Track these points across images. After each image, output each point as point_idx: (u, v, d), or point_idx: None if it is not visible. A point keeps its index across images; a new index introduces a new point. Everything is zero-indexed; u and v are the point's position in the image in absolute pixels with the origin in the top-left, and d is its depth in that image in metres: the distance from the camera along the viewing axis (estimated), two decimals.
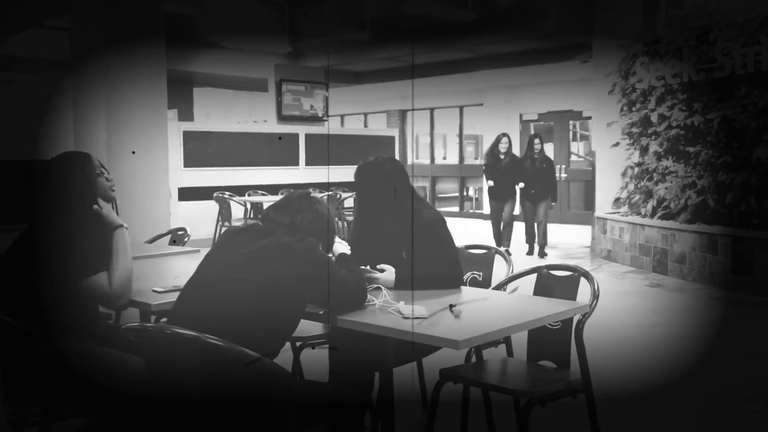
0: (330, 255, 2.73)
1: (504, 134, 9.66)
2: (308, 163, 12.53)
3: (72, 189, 2.77)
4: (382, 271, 2.98)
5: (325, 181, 12.07)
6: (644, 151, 8.88)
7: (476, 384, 2.91)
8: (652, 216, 8.51)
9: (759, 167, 7.14)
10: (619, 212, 9.49)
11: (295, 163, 12.37)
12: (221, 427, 2.16)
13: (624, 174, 9.44)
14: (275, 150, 12.10)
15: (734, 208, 7.40)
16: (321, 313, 2.58)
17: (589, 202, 12.85)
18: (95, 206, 2.76)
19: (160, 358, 2.17)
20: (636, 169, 9.07)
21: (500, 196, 9.65)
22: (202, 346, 2.07)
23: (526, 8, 10.63)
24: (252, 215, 10.08)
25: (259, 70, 13.34)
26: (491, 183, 9.60)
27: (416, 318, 2.43)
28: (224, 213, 10.09)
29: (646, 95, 8.83)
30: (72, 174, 2.80)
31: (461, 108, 16.74)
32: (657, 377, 4.52)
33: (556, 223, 14.26)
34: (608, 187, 10.13)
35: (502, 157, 9.43)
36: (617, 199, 9.74)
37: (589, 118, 13.09)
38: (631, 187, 9.22)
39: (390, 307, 2.56)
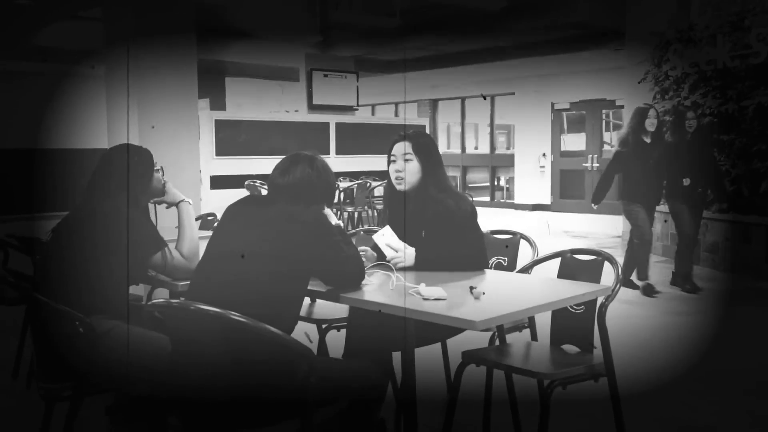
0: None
1: (650, 106, 6.87)
2: (339, 152, 12.58)
3: (130, 179, 2.90)
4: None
5: (356, 169, 12.09)
6: None
7: (498, 366, 2.92)
8: None
9: None
10: None
11: (326, 151, 12.42)
12: (244, 403, 2.21)
13: None
14: (306, 139, 12.16)
15: None
16: (325, 291, 2.60)
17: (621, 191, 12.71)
18: (164, 180, 3.04)
19: (185, 334, 2.22)
20: None
21: (647, 198, 6.63)
22: (226, 323, 2.11)
23: None
24: None
25: (290, 60, 13.41)
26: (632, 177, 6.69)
27: (436, 299, 2.46)
28: None
29: (679, 83, 8.70)
30: (135, 165, 2.94)
31: (492, 97, 16.65)
32: (682, 365, 4.49)
33: (588, 213, 14.17)
34: None
35: (648, 140, 6.53)
36: None
37: (622, 107, 12.93)
38: None
39: (411, 289, 2.58)
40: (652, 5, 9.75)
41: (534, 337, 3.32)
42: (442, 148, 17.60)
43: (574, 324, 3.00)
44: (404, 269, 2.93)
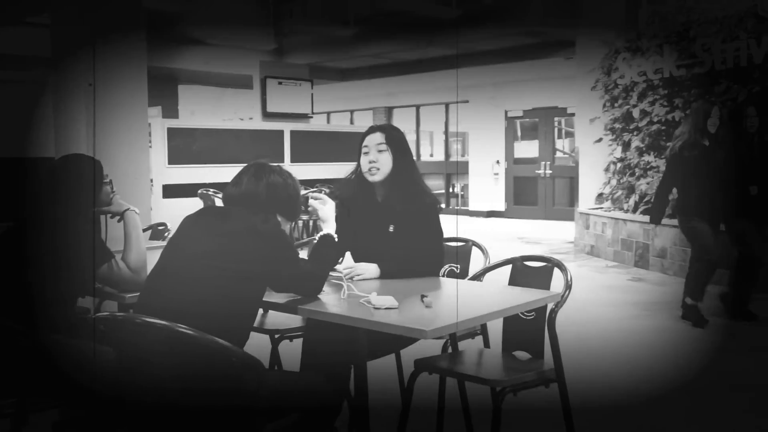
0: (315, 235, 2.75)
1: (713, 102, 6.04)
2: (293, 160, 12.53)
3: (79, 190, 2.84)
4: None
5: (311, 178, 12.06)
6: (626, 146, 8.94)
7: (451, 374, 2.94)
8: (634, 211, 8.57)
9: None
10: (601, 208, 9.55)
11: (281, 159, 12.36)
12: (192, 416, 2.17)
13: (606, 169, 9.49)
14: (261, 147, 12.08)
15: None
16: (283, 302, 2.59)
17: (573, 198, 12.93)
18: (112, 193, 2.98)
19: (131, 347, 2.18)
20: (618, 165, 9.13)
21: (711, 212, 5.56)
22: (173, 335, 2.08)
23: (510, 5, 10.69)
24: None
25: (243, 67, 13.33)
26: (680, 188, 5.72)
27: (387, 308, 2.46)
28: None
29: (628, 91, 8.89)
30: (81, 176, 2.87)
31: (447, 105, 16.78)
32: (635, 370, 4.57)
33: (541, 219, 14.37)
34: (591, 182, 10.19)
35: (707, 143, 5.47)
36: (600, 195, 9.81)
37: (573, 114, 13.15)
38: (614, 182, 9.28)
39: (362, 298, 2.57)
40: (601, 15, 9.96)
41: (486, 344, 3.34)
42: None
43: (525, 330, 3.03)
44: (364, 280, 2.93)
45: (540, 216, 14.60)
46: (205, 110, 17.00)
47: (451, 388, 3.21)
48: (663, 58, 8.21)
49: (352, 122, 18.92)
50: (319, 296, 2.64)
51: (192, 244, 2.43)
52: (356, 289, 2.66)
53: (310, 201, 2.87)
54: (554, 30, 10.99)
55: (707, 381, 4.33)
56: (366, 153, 3.23)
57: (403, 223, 3.15)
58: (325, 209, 2.84)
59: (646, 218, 8.19)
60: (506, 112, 15.41)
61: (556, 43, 11.62)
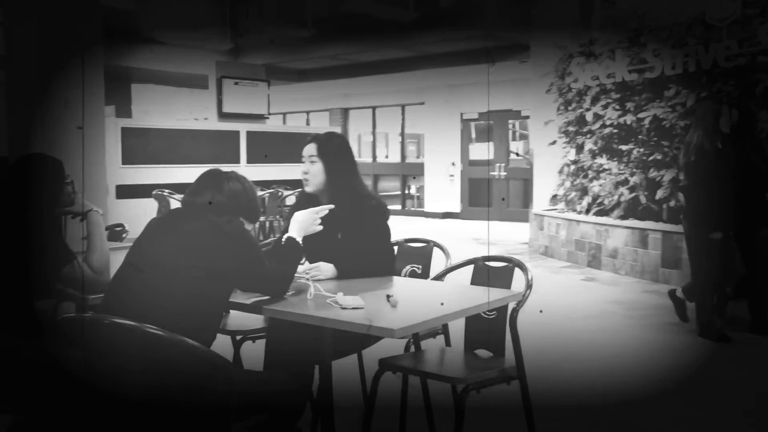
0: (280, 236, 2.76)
1: (721, 100, 5.59)
2: (250, 160, 12.46)
3: (41, 190, 2.82)
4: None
5: (267, 178, 12.01)
6: (580, 149, 9.12)
7: (414, 372, 2.98)
8: (587, 212, 8.75)
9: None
10: (555, 209, 9.73)
11: (237, 160, 12.28)
12: (162, 417, 2.17)
13: (560, 172, 9.68)
14: (216, 147, 11.99)
15: (664, 204, 7.67)
16: (249, 303, 2.60)
17: (527, 199, 13.13)
18: (74, 194, 2.94)
19: (98, 348, 2.16)
20: (572, 167, 9.32)
21: (732, 221, 5.07)
22: (142, 336, 2.07)
23: (466, 9, 10.81)
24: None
25: (199, 67, 13.20)
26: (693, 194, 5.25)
27: (354, 308, 2.48)
28: (163, 211, 9.94)
29: (581, 95, 9.08)
30: (44, 176, 2.85)
31: (403, 107, 16.87)
32: (590, 367, 4.68)
33: (496, 221, 14.54)
34: (545, 184, 10.37)
35: (720, 146, 4.99)
36: (554, 197, 9.99)
37: (528, 117, 13.35)
38: (567, 184, 9.46)
39: (328, 299, 2.60)
40: (555, 20, 10.15)
41: (448, 342, 3.40)
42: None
43: (487, 329, 3.08)
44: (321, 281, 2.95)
45: (495, 217, 14.78)
46: (158, 110, 16.78)
47: (414, 387, 3.25)
48: (615, 62, 8.40)
49: (308, 123, 18.87)
50: (285, 297, 2.66)
51: (159, 244, 2.43)
52: (323, 290, 2.68)
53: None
54: (509, 34, 11.14)
55: (666, 376, 4.46)
56: (303, 163, 3.28)
57: (349, 230, 3.17)
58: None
59: (599, 219, 8.40)
60: (461, 115, 15.56)
61: (511, 46, 11.79)
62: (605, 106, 8.57)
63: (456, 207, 15.52)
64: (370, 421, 2.93)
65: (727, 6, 7.28)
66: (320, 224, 2.90)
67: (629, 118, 8.14)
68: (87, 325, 2.16)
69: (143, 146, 11.00)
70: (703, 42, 7.38)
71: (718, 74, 7.23)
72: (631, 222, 7.96)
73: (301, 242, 2.80)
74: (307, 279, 2.88)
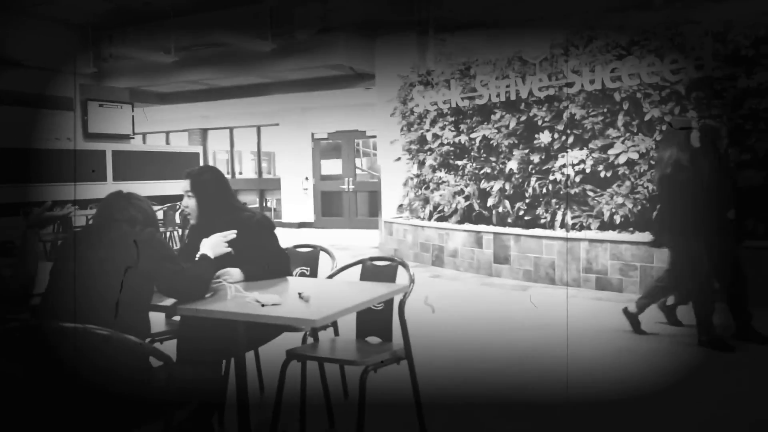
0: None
1: (720, 122, 5.47)
2: (116, 178, 11.92)
3: None
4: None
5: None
6: (421, 164, 9.55)
7: (319, 359, 3.09)
8: (430, 219, 9.19)
9: (511, 177, 8.03)
10: (402, 216, 10.10)
11: (104, 178, 11.71)
12: (105, 410, 2.14)
13: (405, 184, 10.07)
14: (83, 166, 11.37)
15: (494, 210, 8.24)
16: (169, 305, 2.61)
17: (374, 209, 13.51)
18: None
19: (41, 353, 2.11)
20: (415, 180, 9.73)
21: (713, 232, 4.86)
22: (88, 337, 2.05)
23: (319, 41, 11.00)
24: (61, 230, 9.40)
25: (61, 89, 12.44)
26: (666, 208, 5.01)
27: (273, 304, 2.57)
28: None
29: (422, 118, 9.52)
30: None
31: (259, 127, 16.75)
32: (447, 350, 4.97)
33: (346, 229, 14.80)
34: (393, 195, 10.73)
35: (690, 160, 4.88)
36: (400, 206, 10.37)
37: (373, 137, 13.73)
38: (412, 195, 9.87)
39: (247, 297, 2.66)
40: (397, 53, 10.58)
41: (336, 333, 3.53)
42: None
43: (376, 319, 3.26)
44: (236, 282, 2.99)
45: (345, 225, 15.05)
46: (18, 132, 15.55)
47: (311, 376, 3.35)
48: (450, 90, 8.90)
49: (168, 143, 18.25)
50: (206, 297, 2.69)
51: (86, 252, 2.42)
52: (243, 290, 2.74)
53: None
54: (357, 64, 11.45)
55: (496, 354, 4.83)
56: (183, 197, 3.30)
57: (239, 246, 3.10)
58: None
59: (440, 224, 8.84)
60: (313, 134, 15.70)
61: (358, 75, 12.11)
62: (443, 128, 9.05)
63: (310, 217, 15.63)
64: (280, 407, 3.01)
65: (538, 47, 7.98)
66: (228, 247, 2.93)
67: (463, 138, 8.65)
68: (32, 331, 2.09)
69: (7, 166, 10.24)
70: (521, 75, 8.02)
71: (533, 102, 7.89)
72: (467, 226, 8.47)
73: (213, 257, 2.84)
74: (223, 281, 2.92)
